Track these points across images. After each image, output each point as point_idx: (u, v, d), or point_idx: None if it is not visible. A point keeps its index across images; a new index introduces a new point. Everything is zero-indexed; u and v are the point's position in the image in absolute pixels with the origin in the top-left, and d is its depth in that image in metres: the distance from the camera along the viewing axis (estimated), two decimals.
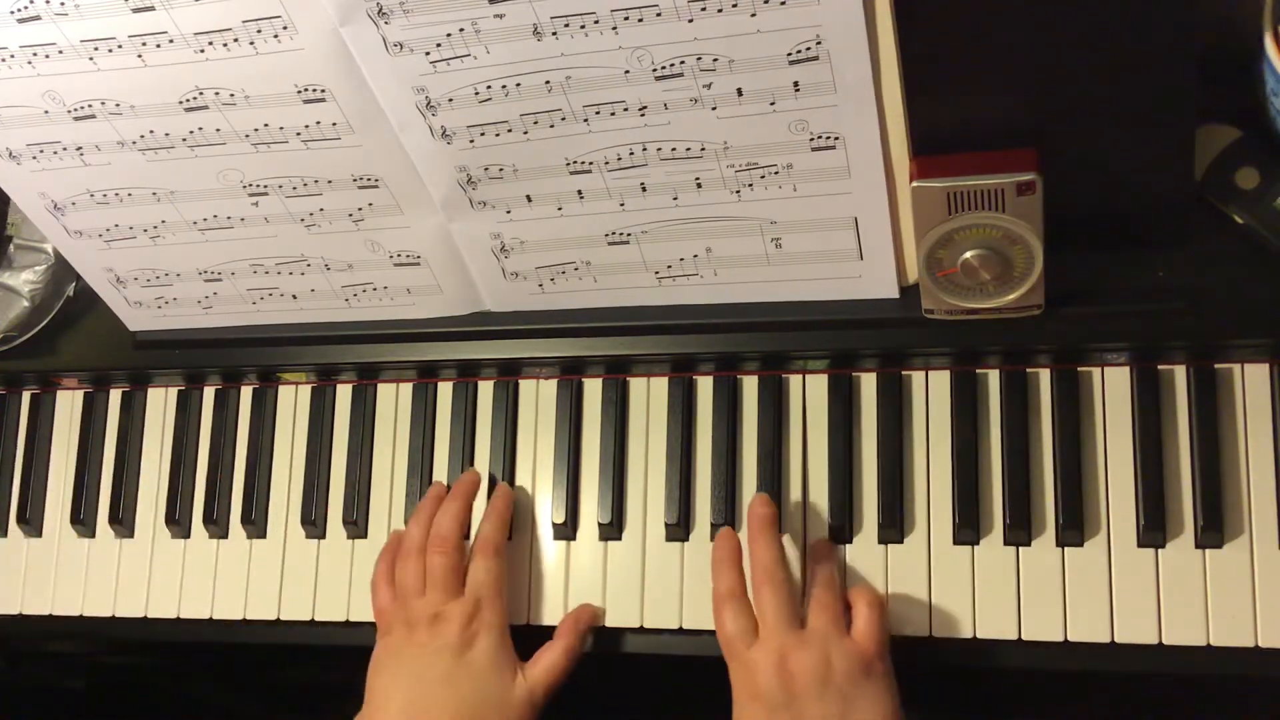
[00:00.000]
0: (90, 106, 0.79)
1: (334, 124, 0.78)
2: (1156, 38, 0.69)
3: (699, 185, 0.78)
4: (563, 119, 0.75)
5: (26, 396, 1.05)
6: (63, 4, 0.73)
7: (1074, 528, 0.81)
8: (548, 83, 0.73)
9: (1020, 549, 0.83)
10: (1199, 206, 0.79)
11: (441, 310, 0.91)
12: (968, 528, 0.83)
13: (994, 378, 0.86)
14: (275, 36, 0.73)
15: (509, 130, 0.76)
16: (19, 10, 0.74)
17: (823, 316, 0.84)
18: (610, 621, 0.88)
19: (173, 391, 1.02)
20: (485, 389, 0.95)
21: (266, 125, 0.79)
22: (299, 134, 0.79)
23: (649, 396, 0.91)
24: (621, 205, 0.80)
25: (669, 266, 0.84)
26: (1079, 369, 0.84)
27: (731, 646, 0.78)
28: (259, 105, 0.77)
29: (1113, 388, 0.84)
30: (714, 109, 0.73)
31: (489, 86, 0.74)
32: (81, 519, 1.01)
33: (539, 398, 0.93)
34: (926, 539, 0.84)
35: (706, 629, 0.85)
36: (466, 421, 0.94)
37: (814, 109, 0.72)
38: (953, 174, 0.72)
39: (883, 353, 0.86)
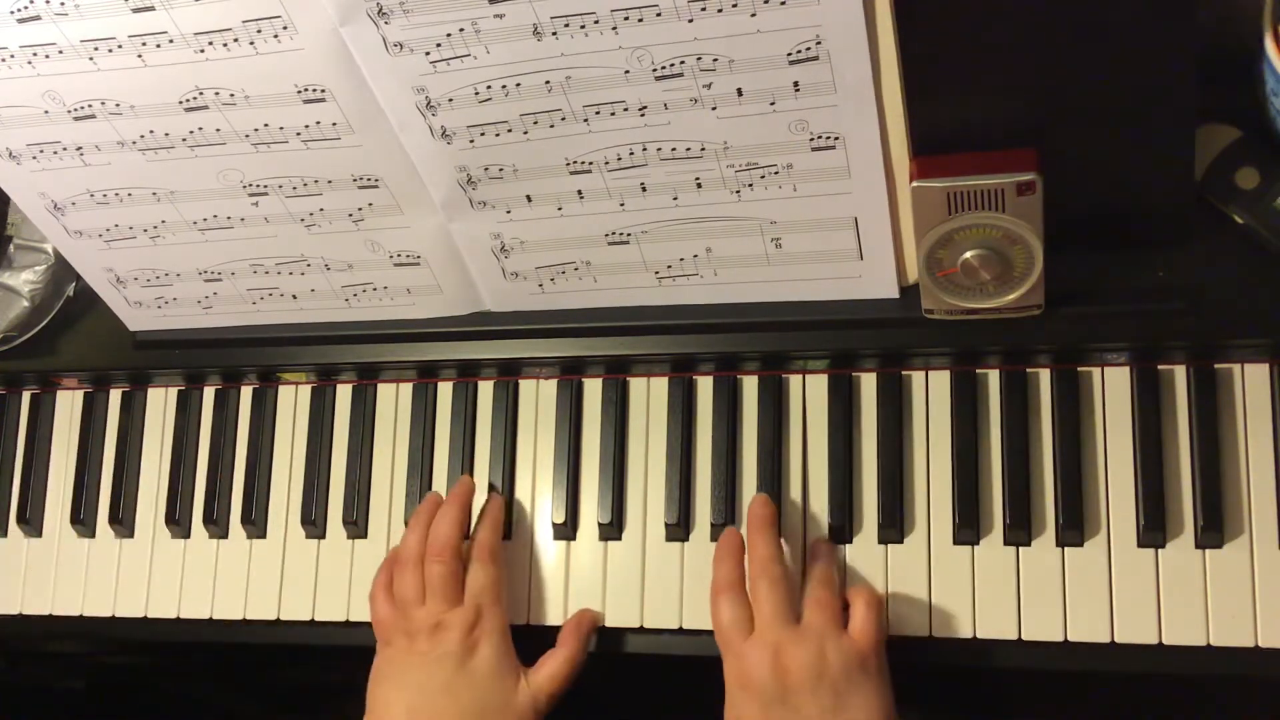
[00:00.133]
0: (90, 106, 0.79)
1: (334, 124, 0.78)
2: (1156, 38, 0.69)
3: (699, 185, 0.78)
4: (563, 119, 0.75)
5: (26, 396, 1.05)
6: (63, 4, 0.73)
7: (1074, 528, 0.81)
8: (548, 83, 0.73)
9: (1020, 549, 0.83)
10: (1199, 206, 0.79)
11: (441, 310, 0.91)
12: (968, 528, 0.83)
13: (994, 378, 0.86)
14: (275, 36, 0.73)
15: (509, 130, 0.76)
16: (19, 10, 0.74)
17: (823, 316, 0.84)
18: (610, 621, 0.88)
19: (173, 391, 1.02)
20: (485, 389, 0.95)
21: (266, 125, 0.79)
22: (299, 134, 0.79)
23: (649, 396, 0.91)
24: (621, 205, 0.80)
25: (669, 266, 0.84)
26: (1079, 369, 0.84)
27: (726, 637, 0.78)
28: (259, 105, 0.77)
29: (1113, 388, 0.84)
30: (714, 109, 0.73)
31: (489, 86, 0.74)
32: (81, 519, 1.01)
33: (539, 398, 0.93)
34: (926, 539, 0.84)
35: (706, 629, 0.84)
36: (466, 421, 0.94)
37: (814, 109, 0.72)
38: (953, 174, 0.72)
39: (883, 353, 0.86)
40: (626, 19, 0.69)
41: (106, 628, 0.98)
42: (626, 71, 0.72)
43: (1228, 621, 0.79)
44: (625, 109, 0.74)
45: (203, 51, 0.74)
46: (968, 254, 0.75)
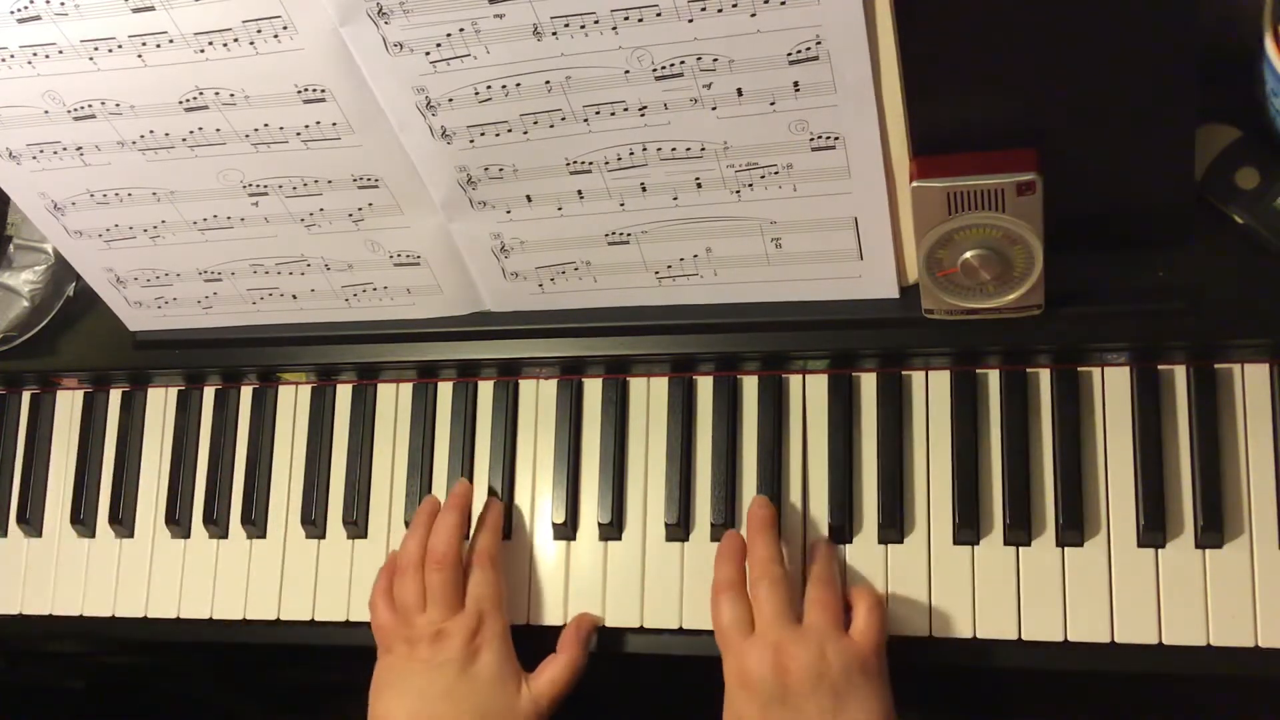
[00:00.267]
0: (90, 106, 0.79)
1: (334, 124, 0.78)
2: (1156, 38, 0.69)
3: (699, 185, 0.78)
4: (563, 119, 0.75)
5: (26, 396, 1.05)
6: (63, 4, 0.73)
7: (1074, 528, 0.81)
8: (548, 83, 0.73)
9: (1020, 549, 0.83)
10: (1199, 206, 0.79)
11: (441, 310, 0.91)
12: (968, 528, 0.83)
13: (994, 378, 0.86)
14: (275, 36, 0.73)
15: (509, 130, 0.76)
16: (19, 10, 0.74)
17: (823, 316, 0.84)
18: (610, 621, 0.88)
19: (173, 391, 1.02)
20: (485, 389, 0.95)
21: (266, 125, 0.79)
22: (299, 134, 0.79)
23: (649, 396, 0.91)
24: (621, 205, 0.80)
25: (669, 266, 0.84)
26: (1079, 369, 0.84)
27: (726, 637, 0.78)
28: (259, 105, 0.77)
29: (1113, 388, 0.84)
30: (714, 109, 0.73)
31: (489, 86, 0.74)
32: (81, 519, 1.01)
33: (539, 398, 0.93)
34: (926, 539, 0.84)
35: (706, 629, 0.85)
36: (466, 421, 0.94)
37: (814, 109, 0.72)
38: (953, 174, 0.72)
39: (883, 353, 0.86)
40: (626, 19, 0.69)
41: (106, 628, 0.98)
42: (626, 71, 0.72)
43: (1228, 621, 0.79)
44: (625, 109, 0.74)
45: (203, 51, 0.74)
46: (968, 254, 0.75)
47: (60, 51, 0.76)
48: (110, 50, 0.75)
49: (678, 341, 0.88)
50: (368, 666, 0.87)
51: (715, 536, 0.87)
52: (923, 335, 0.83)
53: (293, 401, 0.99)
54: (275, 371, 0.98)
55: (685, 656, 0.86)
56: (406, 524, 0.93)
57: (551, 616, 0.89)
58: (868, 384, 0.88)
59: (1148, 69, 0.70)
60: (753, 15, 0.67)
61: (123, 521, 1.00)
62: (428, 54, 0.72)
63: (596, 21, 0.69)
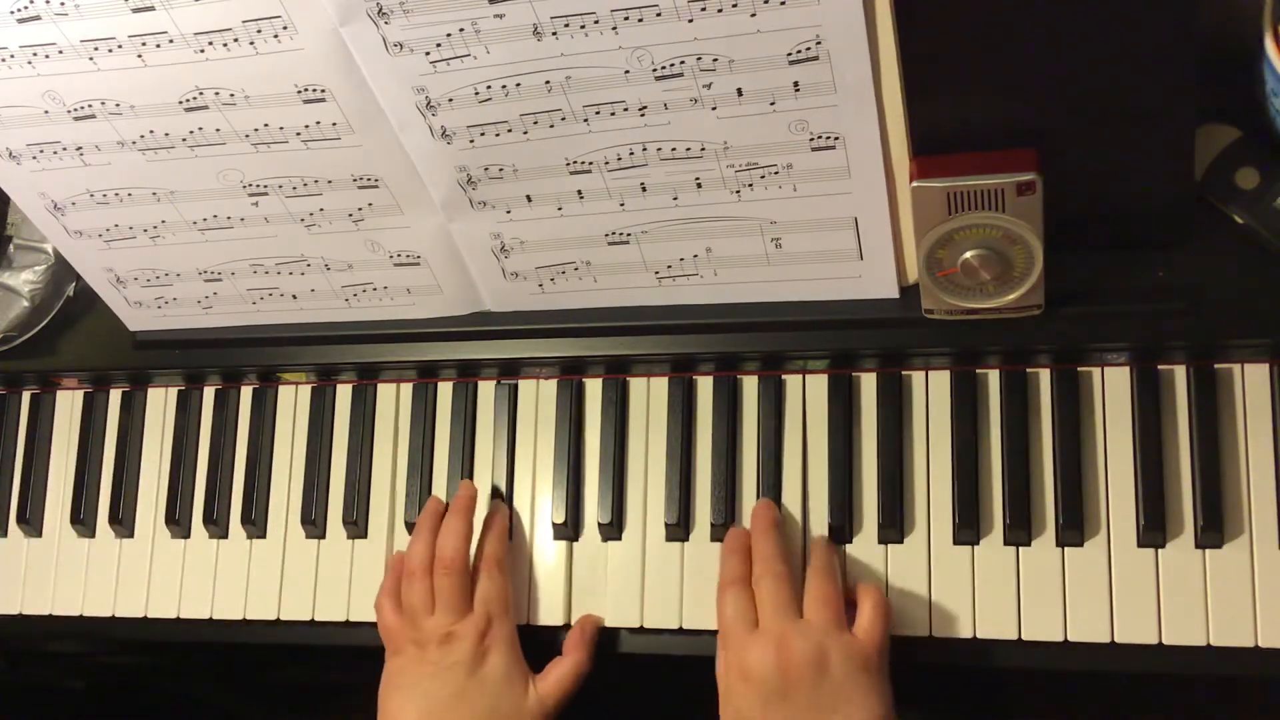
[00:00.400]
0: (90, 106, 0.79)
1: (334, 124, 0.78)
2: (1156, 38, 0.69)
3: (699, 185, 0.78)
4: (563, 119, 0.75)
5: (26, 396, 1.05)
6: (63, 4, 0.73)
7: (1074, 528, 0.81)
8: (548, 83, 0.73)
9: (1020, 549, 0.83)
10: (1199, 206, 0.79)
11: (441, 310, 0.91)
12: (968, 528, 0.83)
13: (994, 378, 0.86)
14: (275, 36, 0.73)
15: (509, 130, 0.76)
16: (19, 10, 0.74)
17: (823, 316, 0.84)
18: (610, 622, 0.88)
19: (173, 391, 1.02)
20: (485, 389, 0.95)
21: (266, 125, 0.79)
22: (299, 134, 0.79)
23: (649, 396, 0.91)
24: (621, 205, 0.80)
25: (669, 266, 0.84)
26: (1079, 369, 0.84)
27: (729, 630, 0.78)
28: (259, 105, 0.77)
29: (1113, 388, 0.84)
30: (714, 109, 0.73)
31: (489, 86, 0.74)
32: (81, 519, 1.01)
33: (539, 398, 0.93)
34: (926, 539, 0.84)
35: (706, 629, 0.85)
36: (466, 421, 0.94)
37: (814, 109, 0.72)
38: (953, 174, 0.72)
39: (883, 353, 0.86)
40: (626, 19, 0.69)
41: (106, 628, 0.98)
42: (626, 71, 0.72)
43: (1228, 621, 0.79)
44: (625, 109, 0.74)
45: (203, 51, 0.74)
46: (968, 254, 0.75)
47: (60, 51, 0.76)
48: (110, 50, 0.75)
49: (678, 341, 0.88)
50: (367, 666, 0.87)
51: (715, 536, 0.87)
52: (923, 335, 0.83)
53: (293, 401, 0.99)
54: (275, 371, 0.98)
55: (685, 656, 0.86)
56: (407, 524, 0.93)
57: (552, 616, 0.89)
58: (868, 384, 0.88)
59: (1148, 69, 0.70)
60: (753, 15, 0.67)
61: (123, 521, 1.00)
62: (428, 54, 0.72)
63: (596, 21, 0.69)
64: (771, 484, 0.87)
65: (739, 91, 0.72)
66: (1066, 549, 0.82)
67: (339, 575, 0.94)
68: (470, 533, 0.88)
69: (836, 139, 0.74)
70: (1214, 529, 0.79)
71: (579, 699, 0.86)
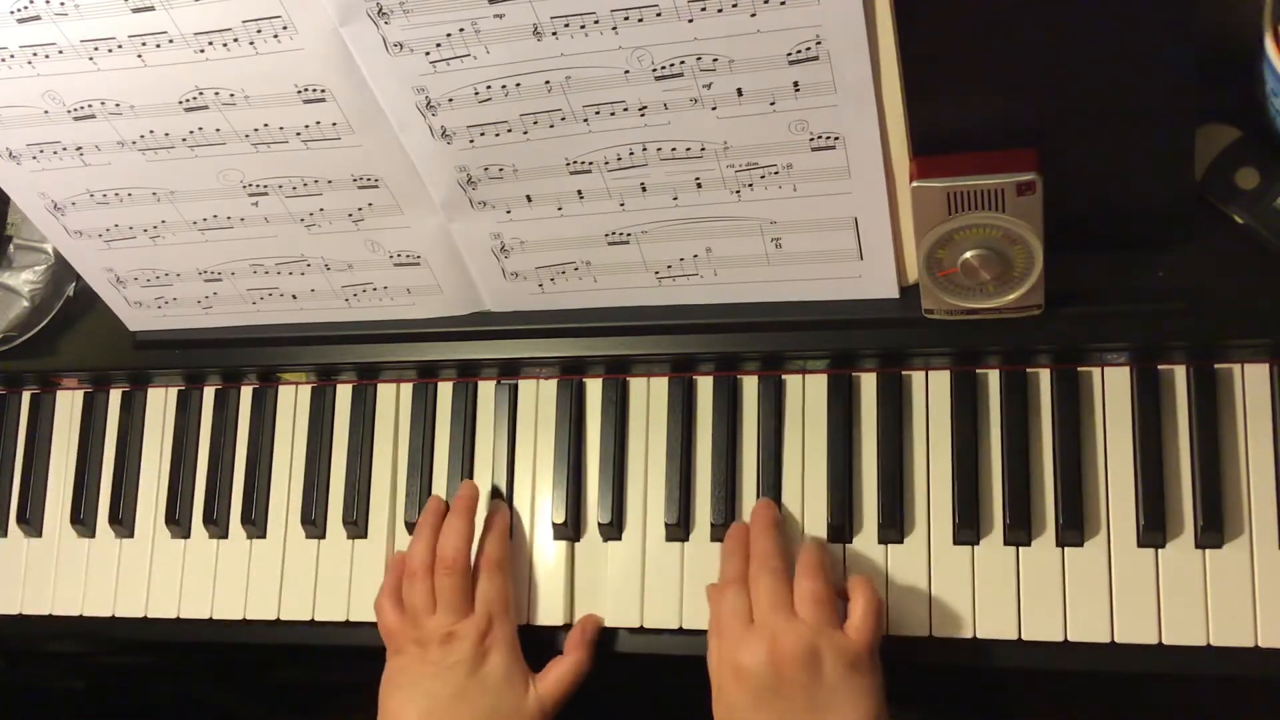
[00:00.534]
0: (90, 106, 0.79)
1: (334, 124, 0.78)
2: (1156, 38, 0.69)
3: (699, 185, 0.78)
4: (563, 119, 0.75)
5: (26, 396, 1.05)
6: (63, 4, 0.73)
7: (1074, 528, 0.81)
8: (548, 83, 0.73)
9: (1020, 549, 0.83)
10: (1199, 206, 0.79)
11: (441, 310, 0.91)
12: (968, 528, 0.83)
13: (994, 378, 0.86)
14: (275, 36, 0.73)
15: (509, 130, 0.76)
16: (19, 10, 0.74)
17: (823, 316, 0.84)
18: (610, 621, 0.88)
19: (173, 391, 1.02)
20: (485, 389, 0.95)
21: (266, 125, 0.79)
22: (299, 134, 0.79)
23: (649, 396, 0.91)
24: (621, 205, 0.80)
25: (669, 266, 0.84)
26: (1079, 369, 0.84)
27: (724, 625, 0.79)
28: (259, 105, 0.77)
29: (1113, 388, 0.84)
30: (714, 109, 0.73)
31: (489, 86, 0.74)
32: (81, 519, 1.01)
33: (539, 398, 0.93)
34: (926, 539, 0.84)
35: (706, 629, 0.85)
36: (466, 421, 0.94)
37: (814, 109, 0.72)
38: (953, 174, 0.72)
39: (883, 353, 0.86)
40: (626, 19, 0.69)
41: (106, 628, 0.98)
42: (626, 71, 0.72)
43: (1228, 621, 0.79)
44: (625, 109, 0.74)
45: (203, 51, 0.74)
46: (968, 254, 0.75)
47: (60, 51, 0.76)
48: (110, 50, 0.75)
49: (678, 341, 0.88)
50: (367, 666, 0.87)
51: (715, 536, 0.87)
52: (923, 335, 0.83)
53: (293, 401, 0.99)
54: (275, 371, 0.98)
55: (685, 656, 0.86)
56: (407, 524, 0.93)
57: (552, 616, 0.89)
58: (868, 384, 0.88)
59: (1148, 69, 0.70)
60: (753, 15, 0.67)
61: (123, 521, 1.00)
62: (428, 54, 0.72)
63: (596, 21, 0.69)
64: (771, 484, 0.87)
65: (739, 91, 0.72)
66: (1066, 549, 0.82)
67: (339, 575, 0.94)
68: (472, 533, 0.88)
69: (836, 139, 0.74)
70: (1214, 529, 0.79)
71: (579, 699, 0.86)
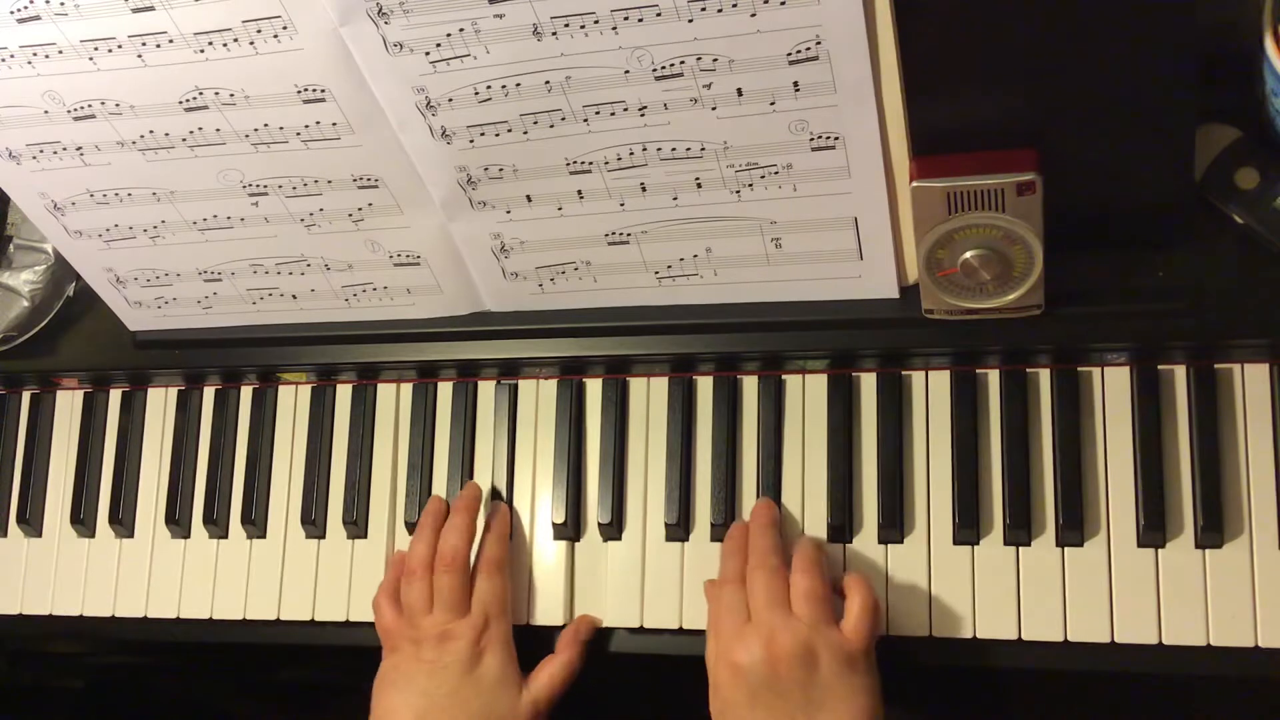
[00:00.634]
0: (90, 106, 0.79)
1: (334, 124, 0.78)
2: (1156, 38, 0.69)
3: (699, 185, 0.78)
4: (563, 119, 0.75)
5: (26, 396, 1.05)
6: (63, 4, 0.73)
7: (1074, 528, 0.81)
8: (548, 83, 0.73)
9: (1020, 549, 0.83)
10: (1199, 206, 0.79)
11: (441, 310, 0.91)
12: (968, 528, 0.83)
13: (994, 378, 0.86)
14: (275, 37, 0.73)
15: (509, 130, 0.76)
16: (19, 10, 0.74)
17: (823, 316, 0.84)
18: (610, 621, 0.88)
19: (173, 391, 1.02)
20: (485, 389, 0.95)
21: (266, 125, 0.79)
22: (299, 134, 0.79)
23: (649, 396, 0.91)
24: (621, 205, 0.80)
25: (669, 266, 0.84)
26: (1079, 369, 0.84)
27: (720, 621, 0.79)
28: (259, 105, 0.77)
29: (1113, 388, 0.84)
30: (714, 109, 0.73)
31: (489, 86, 0.74)
32: (81, 519, 1.01)
33: (539, 398, 0.93)
34: (926, 539, 0.84)
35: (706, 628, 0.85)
36: (466, 421, 0.94)
37: (814, 109, 0.72)
38: (953, 174, 0.72)
39: (883, 353, 0.86)
40: (626, 19, 0.69)
41: (106, 628, 0.99)
42: (626, 71, 0.72)
43: (1228, 621, 0.79)
44: (625, 109, 0.74)
45: (203, 51, 0.74)
46: (968, 254, 0.75)
47: (60, 51, 0.76)
48: (110, 50, 0.75)
49: (678, 341, 0.88)
50: (368, 666, 0.87)
51: (715, 536, 0.87)
52: (923, 335, 0.83)
53: (293, 401, 0.99)
54: (275, 371, 0.98)
55: (685, 656, 0.86)
56: (407, 524, 0.94)
57: (551, 616, 0.89)
58: (868, 384, 0.88)
59: (1148, 69, 0.70)
60: (753, 15, 0.67)
61: (123, 521, 1.00)
62: (428, 54, 0.72)
63: (596, 21, 0.69)
64: (771, 484, 0.87)
65: (739, 91, 0.72)
66: (1066, 549, 0.82)
67: (339, 575, 0.94)
68: (473, 532, 0.88)
69: (836, 139, 0.74)
70: (1214, 529, 0.79)
71: (579, 699, 0.86)
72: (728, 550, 0.84)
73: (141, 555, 0.99)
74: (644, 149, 0.76)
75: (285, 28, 0.72)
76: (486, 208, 0.82)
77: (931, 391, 0.86)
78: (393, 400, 0.96)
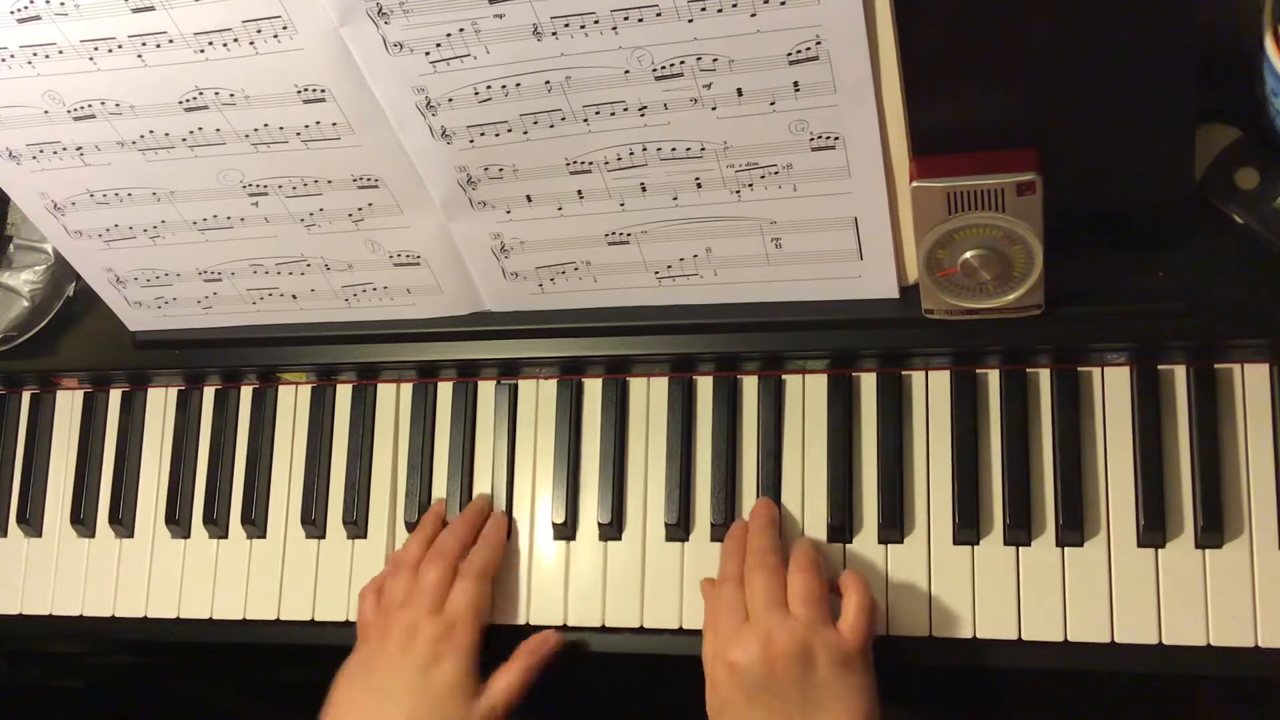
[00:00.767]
0: (90, 106, 0.79)
1: (334, 124, 0.78)
2: (1156, 38, 0.69)
3: (699, 185, 0.78)
4: (563, 119, 0.75)
5: (26, 396, 1.05)
6: (63, 4, 0.73)
7: (1074, 528, 0.81)
8: (548, 83, 0.73)
9: (1020, 549, 0.83)
10: (1199, 206, 0.79)
11: (441, 310, 0.91)
12: (968, 528, 0.83)
13: (994, 378, 0.86)
14: (275, 37, 0.73)
15: (509, 130, 0.76)
16: (19, 10, 0.74)
17: (823, 316, 0.84)
18: (609, 621, 0.88)
19: (173, 391, 1.02)
20: (485, 389, 0.95)
21: (266, 125, 0.79)
22: (299, 134, 0.79)
23: (649, 396, 0.91)
24: (621, 205, 0.80)
25: (669, 266, 0.84)
26: (1079, 369, 0.84)
27: (718, 620, 0.79)
28: (259, 105, 0.77)
29: (1113, 388, 0.84)
30: (714, 109, 0.73)
31: (489, 86, 0.74)
32: (81, 519, 1.01)
33: (539, 398, 0.93)
34: (926, 539, 0.84)
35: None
36: (466, 421, 0.94)
37: (814, 109, 0.72)
38: (953, 174, 0.72)
39: (883, 353, 0.86)
40: (626, 19, 0.69)
41: (106, 628, 0.98)
42: (626, 71, 0.72)
43: (1228, 621, 0.79)
44: (625, 109, 0.74)
45: (203, 52, 0.74)
46: (968, 254, 0.75)
47: (60, 51, 0.76)
48: (110, 50, 0.75)
49: (678, 341, 0.88)
50: None
51: (715, 536, 0.87)
52: (923, 335, 0.83)
53: (293, 401, 0.99)
54: (275, 371, 0.98)
55: (684, 656, 0.86)
56: (407, 524, 0.94)
57: (551, 616, 0.89)
58: (868, 384, 0.88)
59: (1148, 69, 0.70)
60: (753, 15, 0.67)
61: (123, 521, 1.00)
62: (428, 54, 0.72)
63: (596, 21, 0.69)
64: (771, 484, 0.87)
65: (739, 91, 0.72)
66: (1066, 549, 0.82)
67: (339, 575, 0.94)
68: (471, 539, 0.89)
69: (836, 139, 0.74)
70: (1214, 529, 0.79)
71: (578, 699, 0.86)
72: (727, 550, 0.84)
73: (141, 555, 0.99)
74: (644, 149, 0.76)
75: (285, 28, 0.72)
76: (486, 208, 0.82)
77: (931, 391, 0.86)
78: (393, 400, 0.96)
